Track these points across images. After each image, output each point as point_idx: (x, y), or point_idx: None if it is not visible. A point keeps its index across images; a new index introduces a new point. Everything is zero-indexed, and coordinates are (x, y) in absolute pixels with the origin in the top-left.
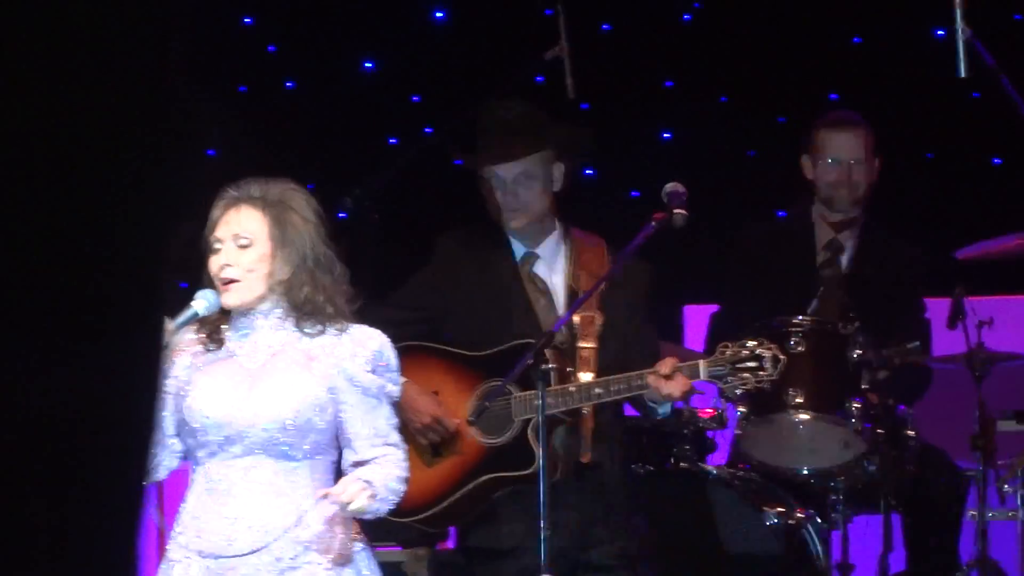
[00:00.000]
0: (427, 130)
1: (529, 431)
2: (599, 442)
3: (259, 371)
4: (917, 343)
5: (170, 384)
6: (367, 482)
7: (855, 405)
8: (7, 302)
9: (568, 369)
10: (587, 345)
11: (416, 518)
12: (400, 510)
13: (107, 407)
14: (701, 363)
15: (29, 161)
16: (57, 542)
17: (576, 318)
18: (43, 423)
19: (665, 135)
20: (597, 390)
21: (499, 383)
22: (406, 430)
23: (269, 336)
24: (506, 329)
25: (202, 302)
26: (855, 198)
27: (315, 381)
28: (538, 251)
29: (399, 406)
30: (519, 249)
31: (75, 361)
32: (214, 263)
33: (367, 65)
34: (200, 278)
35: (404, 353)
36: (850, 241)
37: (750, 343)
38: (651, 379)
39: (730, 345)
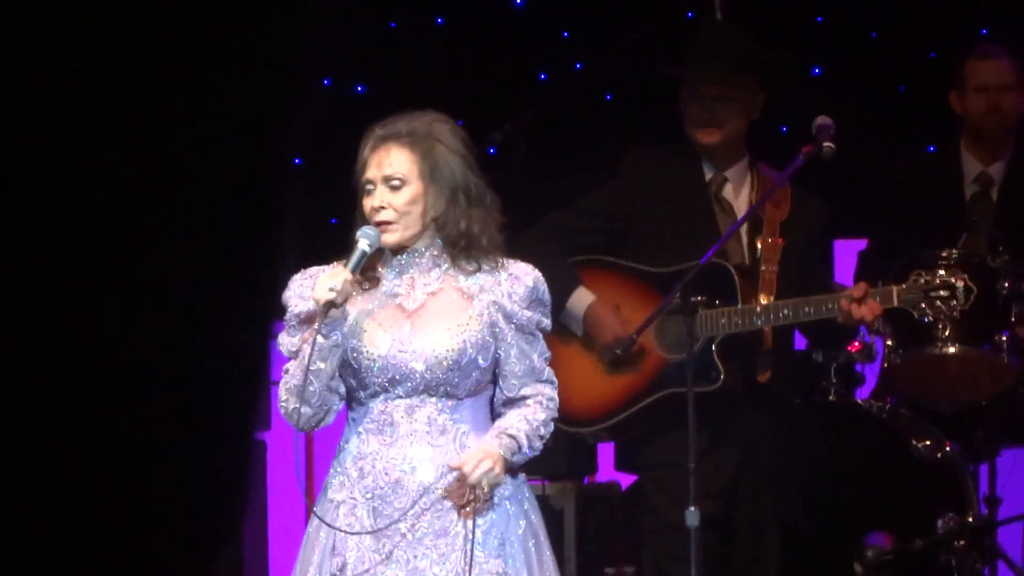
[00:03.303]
0: (577, 66)
1: (713, 348)
2: (777, 363)
3: (420, 311)
4: None
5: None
6: (511, 436)
7: (1003, 338)
8: None
9: (751, 290)
10: (770, 268)
11: (592, 428)
12: (575, 420)
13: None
14: (895, 289)
15: None
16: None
17: (759, 243)
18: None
19: (815, 70)
20: (784, 311)
21: (692, 300)
22: (590, 340)
23: (426, 276)
24: (689, 246)
25: (365, 240)
26: (1005, 126)
27: (476, 320)
28: (727, 174)
29: (586, 321)
30: (709, 170)
31: None
32: (367, 205)
33: (517, 1)
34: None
35: (585, 266)
36: (999, 174)
37: (943, 272)
38: (843, 303)
39: (923, 273)
